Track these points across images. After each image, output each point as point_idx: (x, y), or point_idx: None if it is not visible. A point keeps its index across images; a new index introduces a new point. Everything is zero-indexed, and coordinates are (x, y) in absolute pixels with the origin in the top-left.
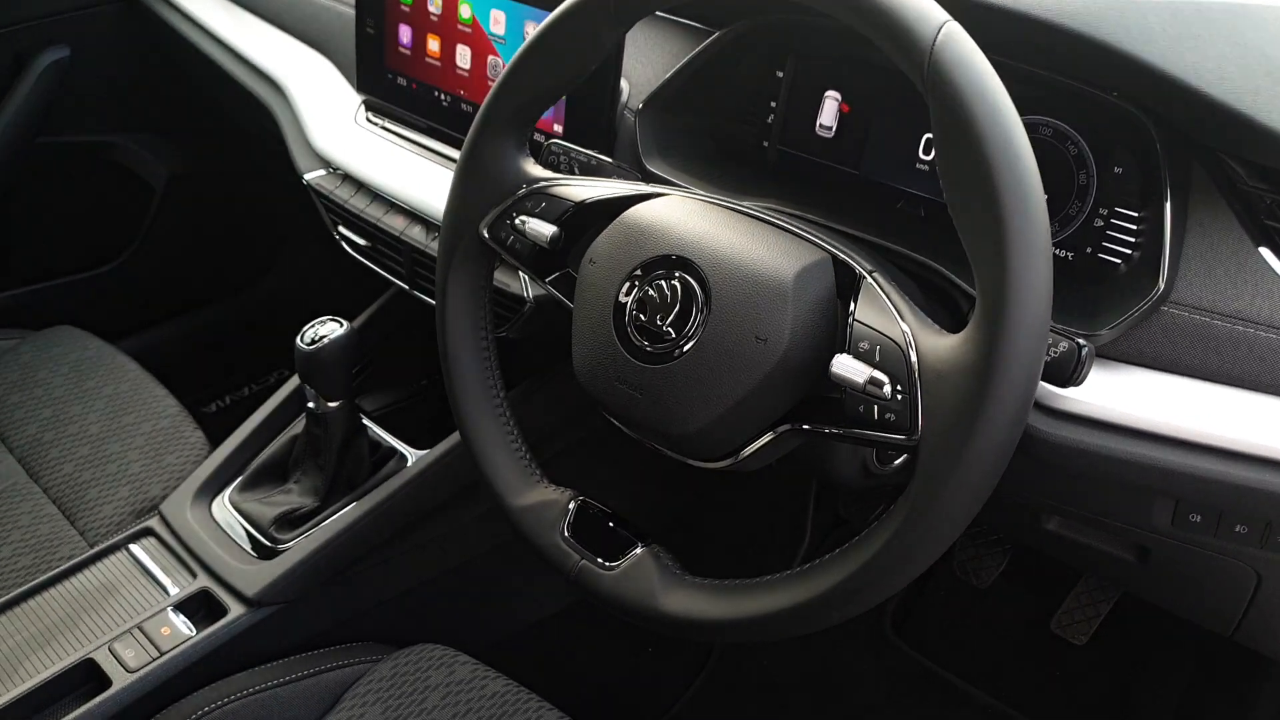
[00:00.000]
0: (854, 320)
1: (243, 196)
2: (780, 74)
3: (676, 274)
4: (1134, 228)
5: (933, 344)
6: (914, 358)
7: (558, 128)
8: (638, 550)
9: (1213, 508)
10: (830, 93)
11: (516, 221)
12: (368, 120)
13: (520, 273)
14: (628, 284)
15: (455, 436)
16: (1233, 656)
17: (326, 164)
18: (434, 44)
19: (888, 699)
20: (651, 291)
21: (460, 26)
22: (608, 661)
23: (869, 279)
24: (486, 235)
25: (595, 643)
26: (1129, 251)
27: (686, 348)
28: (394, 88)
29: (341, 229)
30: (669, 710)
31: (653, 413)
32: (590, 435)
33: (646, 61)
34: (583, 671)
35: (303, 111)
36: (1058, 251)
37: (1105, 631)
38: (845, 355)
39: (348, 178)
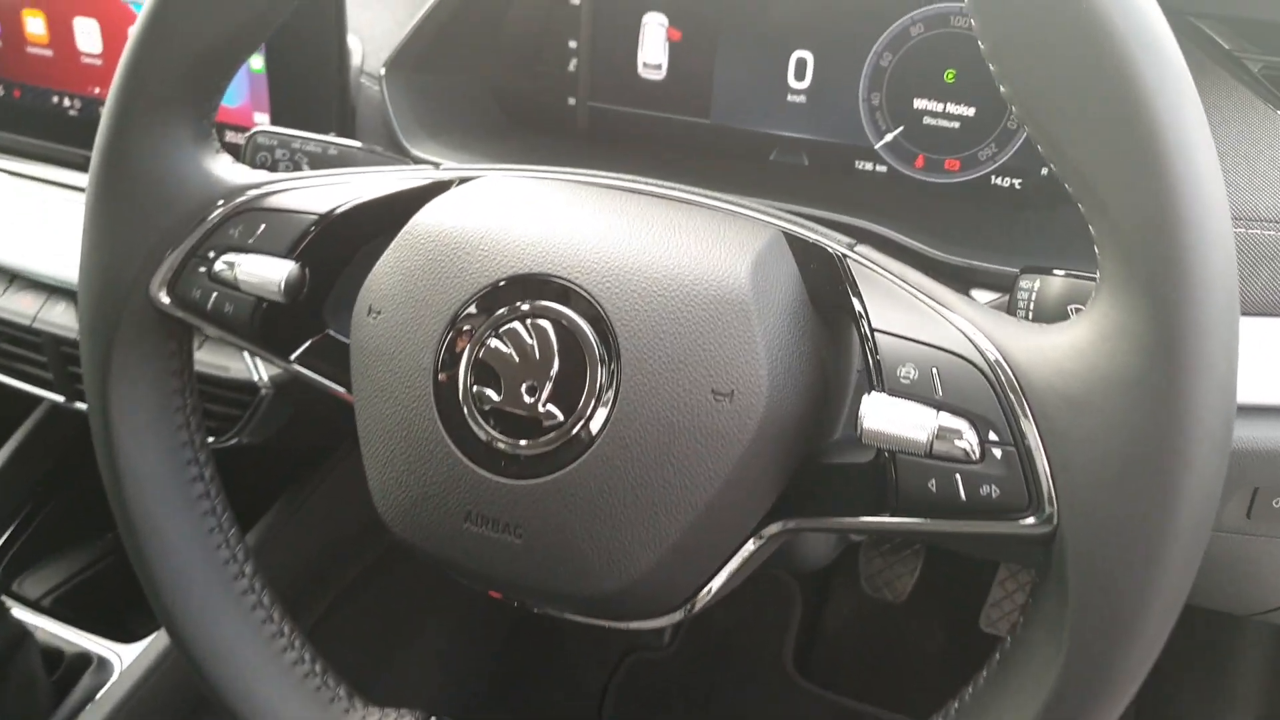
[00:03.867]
0: (873, 331)
1: None
2: (575, 0)
3: (541, 306)
4: None
5: (1034, 346)
6: (1013, 377)
7: (261, 118)
8: None
9: None
10: (651, 16)
11: (218, 266)
12: None
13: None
14: (452, 342)
15: None
16: (1194, 630)
17: None
18: (35, 24)
19: None
20: (503, 347)
21: None
22: None
23: (854, 258)
24: (166, 300)
25: None
26: None
27: (586, 440)
28: None
29: None
30: None
31: (545, 565)
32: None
33: (381, 7)
34: None
35: None
36: (1001, 180)
37: None
38: (880, 395)
39: None
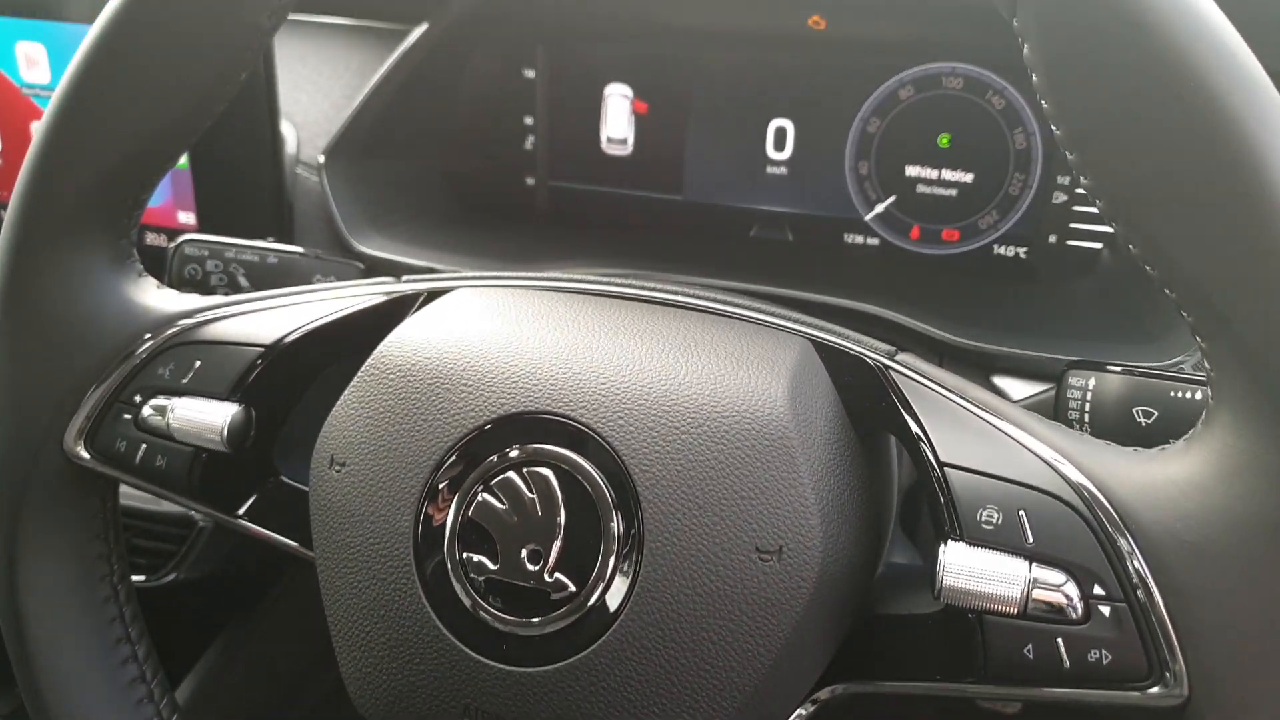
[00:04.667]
0: (942, 465)
1: None
2: (530, 73)
3: (540, 451)
4: None
5: (1139, 480)
6: (1117, 518)
7: (186, 217)
8: None
9: None
10: (614, 88)
11: (146, 413)
12: None
13: None
14: (433, 500)
15: None
16: None
17: None
18: None
19: None
20: (496, 503)
21: None
22: None
23: (898, 369)
24: (85, 454)
25: None
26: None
27: (606, 615)
28: None
29: None
30: None
31: None
32: None
33: (315, 90)
34: None
35: None
36: (1004, 250)
37: None
38: (959, 545)
39: None
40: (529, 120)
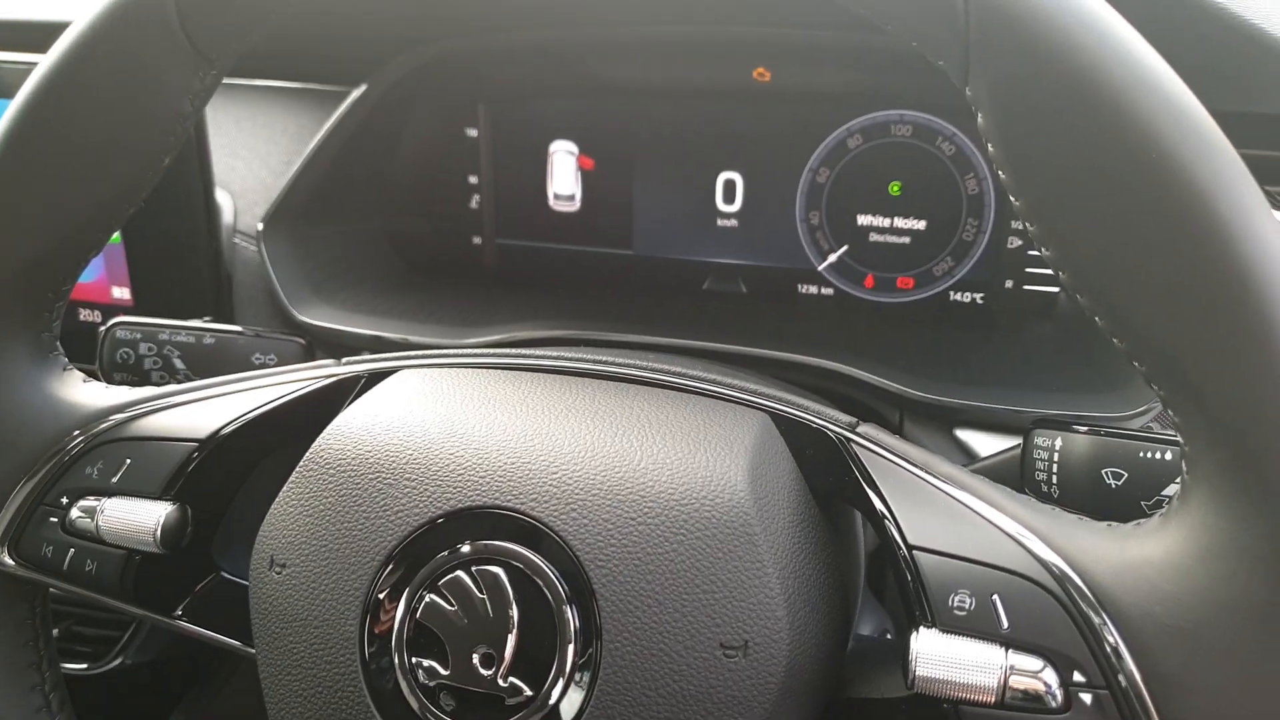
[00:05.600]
0: (910, 548)
1: None
2: (473, 132)
3: (489, 547)
4: None
5: (1115, 560)
6: (1094, 600)
7: (121, 293)
8: None
9: None
10: (559, 144)
11: (74, 515)
12: None
13: None
14: (379, 602)
15: None
16: None
17: None
18: None
19: None
20: (445, 604)
21: None
22: None
23: (861, 443)
24: (9, 560)
25: None
26: None
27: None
28: None
29: None
30: None
31: None
32: None
33: (252, 155)
34: None
35: None
36: (960, 296)
37: None
38: (930, 633)
39: None
40: (473, 179)
